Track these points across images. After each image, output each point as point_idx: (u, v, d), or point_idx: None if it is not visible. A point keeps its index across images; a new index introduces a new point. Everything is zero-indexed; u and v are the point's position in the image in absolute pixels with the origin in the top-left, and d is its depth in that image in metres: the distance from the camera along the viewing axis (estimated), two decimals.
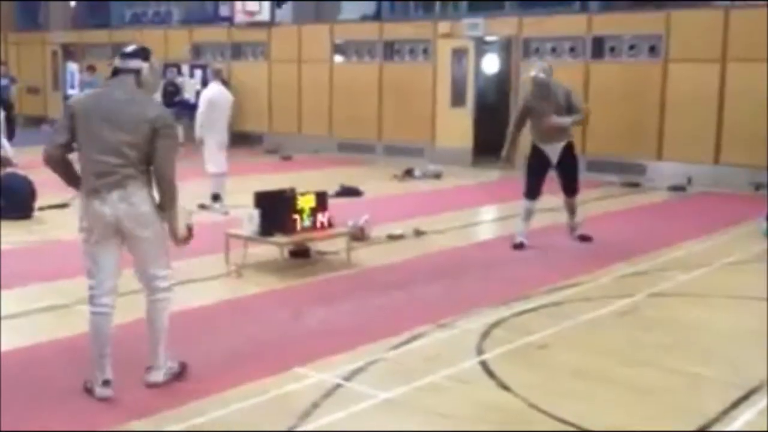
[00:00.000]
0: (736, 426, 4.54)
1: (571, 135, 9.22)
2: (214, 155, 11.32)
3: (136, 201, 4.67)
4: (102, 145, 4.60)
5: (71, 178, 4.82)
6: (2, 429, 4.38)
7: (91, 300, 4.86)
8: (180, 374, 5.11)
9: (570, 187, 9.28)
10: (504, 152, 9.38)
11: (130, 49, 4.89)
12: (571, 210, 9.44)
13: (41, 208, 5.50)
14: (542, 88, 8.93)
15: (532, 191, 9.14)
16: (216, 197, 11.33)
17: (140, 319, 5.15)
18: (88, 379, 4.84)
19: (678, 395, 5.01)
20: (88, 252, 4.79)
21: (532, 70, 9.15)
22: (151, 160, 4.69)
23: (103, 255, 4.78)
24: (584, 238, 9.38)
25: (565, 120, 8.92)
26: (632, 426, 4.53)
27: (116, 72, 4.78)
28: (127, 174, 4.63)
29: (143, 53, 4.83)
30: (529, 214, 9.18)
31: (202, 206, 11.32)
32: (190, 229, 5.07)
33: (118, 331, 5.11)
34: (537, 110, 8.96)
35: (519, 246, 9.02)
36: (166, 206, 4.83)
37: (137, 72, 4.74)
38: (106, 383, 4.74)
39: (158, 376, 5.01)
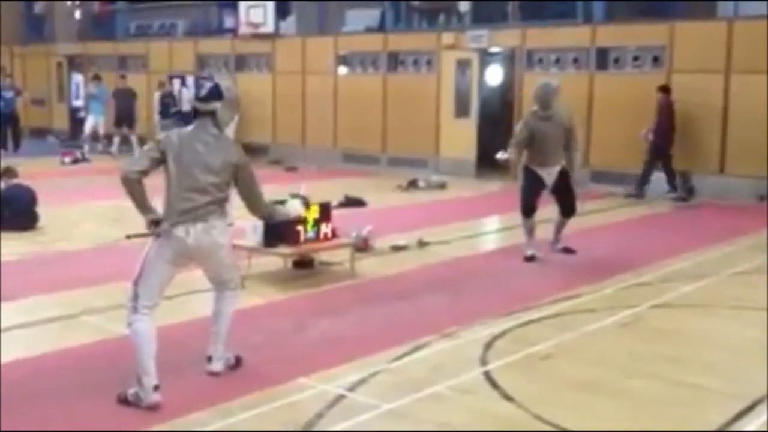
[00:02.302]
0: None
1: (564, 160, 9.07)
2: None
3: (215, 233, 5.16)
4: (191, 184, 5.07)
5: (141, 202, 5.23)
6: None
7: (136, 310, 5.12)
8: (236, 365, 5.51)
9: (569, 209, 9.14)
10: (504, 154, 9.15)
11: (206, 91, 5.20)
12: (561, 227, 9.33)
13: (129, 237, 5.63)
14: (548, 104, 8.79)
15: (530, 210, 9.03)
16: None
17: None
18: (122, 392, 4.96)
19: (681, 407, 5.00)
20: (154, 268, 5.21)
21: (542, 82, 9.09)
22: (240, 193, 5.33)
23: (165, 274, 5.24)
24: (568, 251, 9.27)
25: (575, 164, 9.06)
26: None
27: (196, 113, 5.20)
28: (210, 210, 5.12)
29: (217, 93, 5.17)
30: (531, 230, 9.13)
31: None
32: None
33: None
34: (540, 132, 8.76)
35: (531, 258, 8.96)
36: (266, 217, 5.86)
37: (214, 113, 5.13)
38: (156, 388, 4.91)
39: (218, 366, 5.40)
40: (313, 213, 8.05)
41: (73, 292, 7.45)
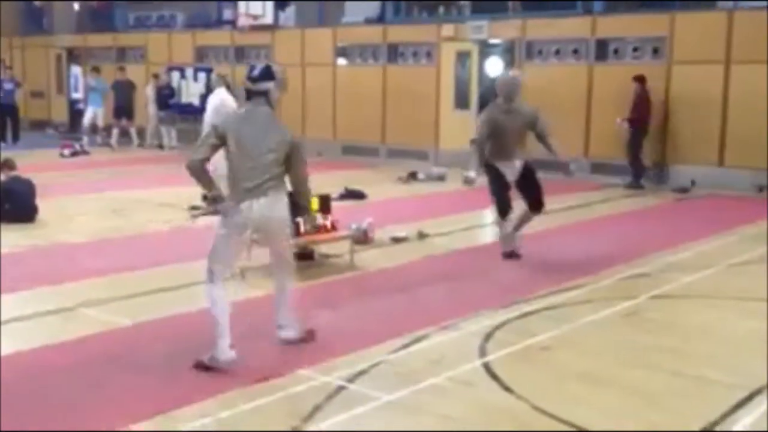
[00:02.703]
0: (738, 428, 4.53)
1: (528, 152, 8.73)
2: (219, 159, 11.40)
3: (277, 207, 5.55)
4: (252, 163, 5.44)
5: (208, 185, 5.59)
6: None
7: (212, 281, 5.53)
8: (307, 338, 5.86)
9: (538, 203, 8.67)
10: (474, 173, 8.37)
11: (257, 72, 5.61)
12: (522, 223, 8.81)
13: (193, 213, 5.91)
14: (512, 97, 8.42)
15: (506, 209, 8.61)
16: (206, 198, 11.43)
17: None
18: (199, 359, 5.33)
19: (681, 398, 5.01)
20: (227, 243, 5.57)
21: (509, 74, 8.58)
22: (289, 170, 5.63)
23: (234, 248, 5.65)
24: (515, 255, 8.70)
25: (555, 148, 8.53)
26: (634, 427, 4.53)
27: (249, 93, 5.60)
28: (271, 185, 5.48)
29: (269, 73, 5.61)
30: (506, 234, 8.72)
31: (194, 207, 11.39)
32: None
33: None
34: (501, 126, 8.37)
35: (510, 255, 8.62)
36: (303, 204, 5.99)
37: (266, 92, 5.56)
38: (231, 347, 5.35)
39: (291, 332, 5.81)
40: (313, 205, 8.03)
41: (72, 285, 7.45)
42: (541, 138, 8.61)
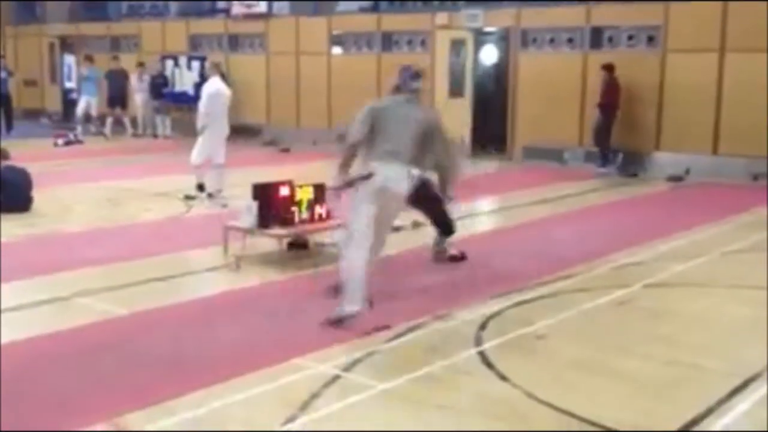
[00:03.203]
0: (732, 415, 4.56)
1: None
2: (213, 147, 11.44)
3: (402, 182, 6.19)
4: (391, 141, 6.13)
5: (347, 162, 6.29)
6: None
7: (348, 245, 6.21)
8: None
9: (446, 228, 8.03)
10: (340, 182, 6.48)
11: (411, 74, 6.52)
12: (442, 245, 8.17)
13: (334, 185, 6.29)
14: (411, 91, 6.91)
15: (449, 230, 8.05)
16: (200, 187, 11.50)
17: None
18: (329, 316, 5.96)
19: (675, 386, 5.03)
20: (360, 210, 6.16)
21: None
22: (432, 151, 6.38)
23: (369, 214, 6.16)
24: (459, 258, 8.10)
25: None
26: (630, 415, 4.55)
27: (397, 88, 6.46)
28: (405, 160, 6.18)
29: (419, 75, 6.53)
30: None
31: (189, 197, 11.44)
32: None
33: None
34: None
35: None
36: (447, 181, 6.72)
37: (416, 90, 6.45)
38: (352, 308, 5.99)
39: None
40: (308, 194, 8.05)
41: (68, 274, 7.44)
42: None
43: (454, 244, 8.19)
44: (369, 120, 6.26)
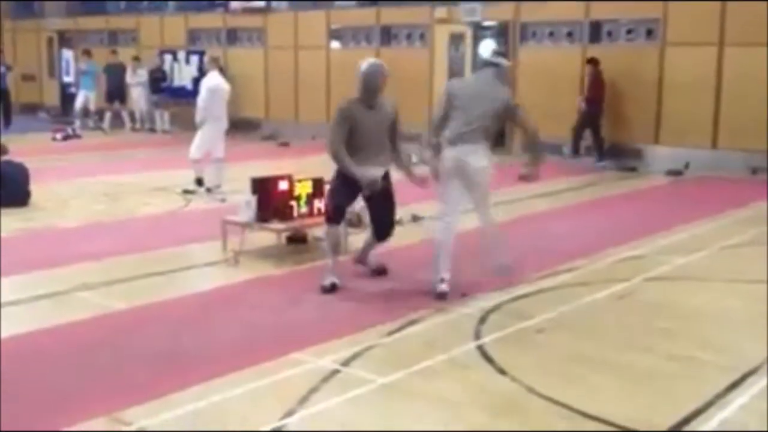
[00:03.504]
0: (730, 409, 4.56)
1: (390, 162, 7.20)
2: (212, 142, 11.44)
3: (481, 156, 6.64)
4: (468, 116, 6.58)
5: (437, 147, 6.76)
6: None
7: (441, 217, 6.84)
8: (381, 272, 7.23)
9: (385, 227, 7.24)
10: (433, 170, 6.92)
11: (498, 48, 7.16)
12: (370, 249, 7.48)
13: (417, 163, 6.69)
14: (377, 89, 6.97)
15: (338, 213, 7.06)
16: (199, 182, 11.50)
17: None
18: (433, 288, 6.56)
19: (675, 379, 5.03)
20: (448, 187, 6.71)
21: (365, 63, 7.07)
22: (516, 123, 7.17)
23: (456, 190, 6.71)
24: (380, 272, 7.41)
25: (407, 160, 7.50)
26: (629, 409, 4.55)
27: (484, 64, 6.92)
28: (479, 137, 6.62)
29: (504, 54, 7.11)
30: (335, 244, 7.13)
31: (187, 191, 11.43)
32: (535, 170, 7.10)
33: None
34: (363, 124, 6.92)
35: (331, 288, 6.83)
36: (536, 150, 7.14)
37: (497, 65, 6.85)
38: (442, 281, 6.57)
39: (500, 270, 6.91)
40: (306, 188, 8.04)
41: (66, 269, 7.43)
42: (393, 141, 7.18)
43: (377, 255, 7.51)
44: (447, 100, 6.70)
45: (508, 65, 6.96)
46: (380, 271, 7.36)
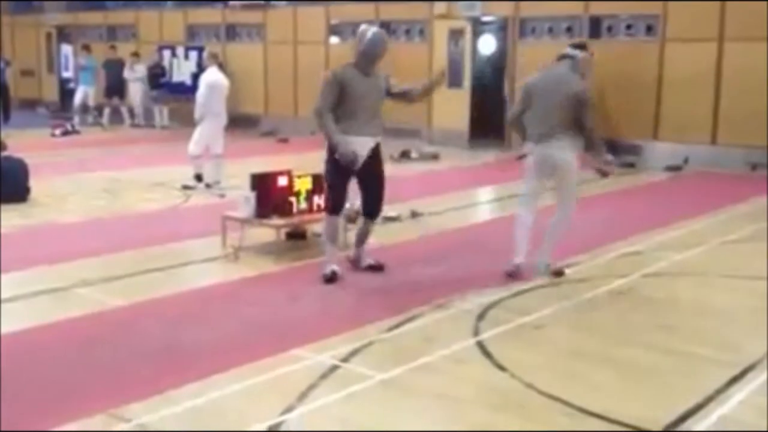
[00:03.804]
0: (729, 405, 4.56)
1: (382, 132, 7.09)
2: (211, 138, 11.44)
3: (564, 148, 6.84)
4: (545, 110, 6.82)
5: (522, 132, 7.13)
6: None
7: (520, 204, 7.22)
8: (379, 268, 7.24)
9: (375, 206, 7.14)
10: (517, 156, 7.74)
11: (577, 41, 7.84)
12: (364, 237, 7.35)
13: (519, 158, 6.84)
14: (378, 57, 6.93)
15: (340, 207, 7.06)
16: (198, 177, 11.50)
17: None
18: (507, 269, 7.02)
19: (674, 375, 5.03)
20: (527, 177, 7.08)
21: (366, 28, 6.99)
22: (578, 119, 6.82)
23: (536, 183, 7.06)
24: (376, 268, 7.30)
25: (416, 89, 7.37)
26: (628, 405, 4.55)
27: (563, 56, 7.04)
28: (560, 131, 6.80)
29: (582, 46, 7.27)
30: (334, 235, 7.17)
31: (186, 187, 11.44)
32: (609, 164, 7.27)
33: None
34: (358, 91, 6.81)
35: (331, 278, 6.91)
36: (594, 149, 7.04)
37: (573, 57, 6.97)
38: (516, 265, 7.02)
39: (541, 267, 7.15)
40: (306, 184, 8.04)
41: (66, 264, 7.43)
42: (377, 116, 7.00)
43: (370, 254, 7.45)
44: (525, 98, 7.04)
45: (582, 56, 7.01)
46: (377, 267, 7.29)
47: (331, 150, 6.83)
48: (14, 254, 7.67)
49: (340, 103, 6.76)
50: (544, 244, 7.12)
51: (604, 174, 7.22)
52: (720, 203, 10.64)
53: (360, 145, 6.84)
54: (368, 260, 7.35)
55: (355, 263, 7.34)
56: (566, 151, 6.86)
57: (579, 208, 10.05)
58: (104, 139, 18.44)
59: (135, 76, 20.81)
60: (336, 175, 6.92)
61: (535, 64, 15.61)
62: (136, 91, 20.91)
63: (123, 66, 21.14)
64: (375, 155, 6.97)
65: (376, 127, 6.95)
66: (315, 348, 5.34)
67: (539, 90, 6.92)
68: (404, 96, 7.26)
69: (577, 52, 7.04)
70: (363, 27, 7.03)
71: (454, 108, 17.21)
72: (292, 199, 7.92)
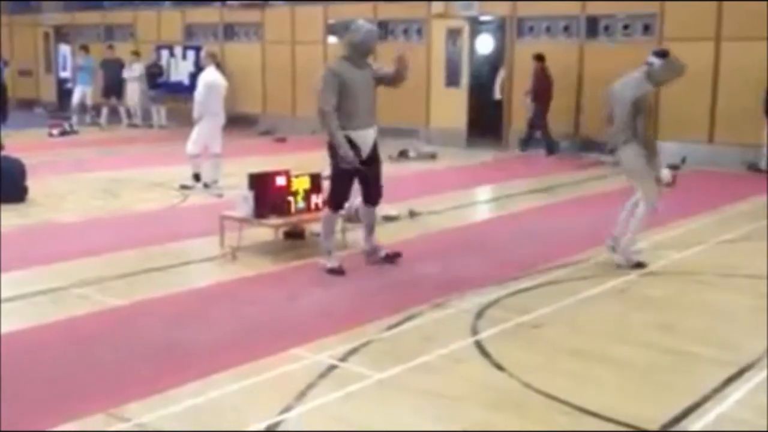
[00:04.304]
0: (727, 404, 4.57)
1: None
2: (210, 137, 11.43)
3: (628, 152, 7.17)
4: (617, 115, 7.16)
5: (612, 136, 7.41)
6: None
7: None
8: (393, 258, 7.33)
9: (375, 192, 7.28)
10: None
11: (659, 48, 7.76)
12: (372, 225, 7.52)
13: (184, 186, 6.25)
14: (370, 51, 7.21)
15: (344, 201, 7.32)
16: (196, 177, 11.50)
17: None
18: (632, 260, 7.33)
19: (672, 374, 5.04)
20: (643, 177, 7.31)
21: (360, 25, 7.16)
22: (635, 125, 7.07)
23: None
24: (392, 257, 7.49)
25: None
26: (626, 404, 4.56)
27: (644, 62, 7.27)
28: (625, 134, 7.11)
29: (663, 53, 7.32)
30: (334, 228, 7.41)
31: (184, 187, 11.44)
32: (673, 177, 7.82)
33: None
34: (354, 85, 6.94)
35: (340, 269, 7.11)
36: (651, 158, 7.16)
37: (649, 65, 7.18)
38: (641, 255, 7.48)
39: (620, 258, 7.42)
40: (304, 184, 8.04)
41: (64, 264, 7.43)
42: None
43: (383, 246, 7.60)
44: (605, 101, 7.44)
45: (658, 65, 7.15)
46: (395, 256, 7.49)
47: (334, 148, 6.99)
48: (12, 254, 7.67)
49: (340, 98, 6.88)
50: (625, 242, 7.40)
51: (666, 184, 7.53)
52: (718, 202, 10.65)
53: (363, 139, 7.06)
54: (383, 251, 7.51)
55: (370, 255, 7.48)
56: (629, 155, 7.17)
57: (578, 207, 10.05)
58: (102, 139, 18.43)
59: (133, 75, 20.80)
60: (341, 172, 7.05)
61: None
62: (134, 90, 20.90)
63: (121, 66, 21.12)
64: (375, 145, 7.20)
65: (372, 116, 7.20)
66: (313, 347, 5.34)
67: (613, 95, 7.30)
68: (383, 78, 7.33)
69: (654, 60, 7.18)
70: (359, 22, 7.28)
71: (451, 107, 17.21)
72: (290, 198, 7.92)
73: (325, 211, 7.38)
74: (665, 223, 9.28)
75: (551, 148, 15.49)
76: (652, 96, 7.43)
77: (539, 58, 15.49)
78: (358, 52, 7.06)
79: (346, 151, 6.86)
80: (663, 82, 7.40)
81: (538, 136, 15.74)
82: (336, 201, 7.24)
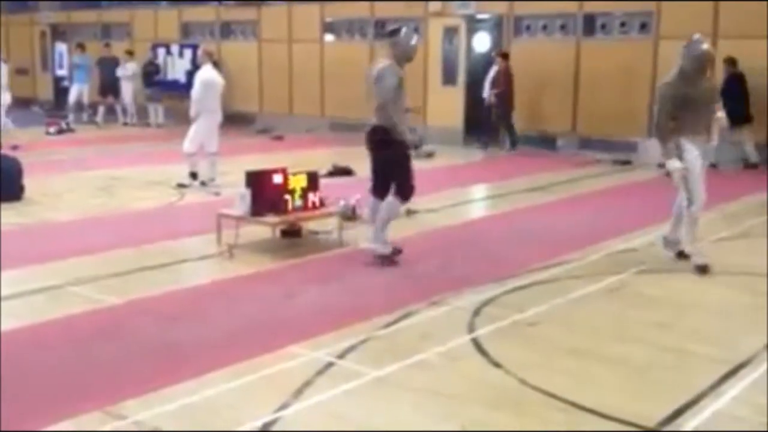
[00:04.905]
0: (723, 401, 4.58)
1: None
2: (206, 136, 11.43)
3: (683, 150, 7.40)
4: (696, 110, 7.38)
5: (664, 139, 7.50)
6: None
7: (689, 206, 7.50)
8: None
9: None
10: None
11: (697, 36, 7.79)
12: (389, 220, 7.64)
13: (181, 185, 6.16)
14: (411, 59, 7.94)
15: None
16: (193, 175, 11.49)
17: None
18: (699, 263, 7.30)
19: (667, 371, 5.05)
20: (694, 174, 7.55)
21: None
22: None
23: (699, 178, 7.59)
24: (395, 253, 7.59)
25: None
26: (622, 401, 4.57)
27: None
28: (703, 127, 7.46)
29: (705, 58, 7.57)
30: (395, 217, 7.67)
31: (181, 185, 11.44)
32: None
33: None
34: (403, 84, 7.70)
35: (393, 255, 7.47)
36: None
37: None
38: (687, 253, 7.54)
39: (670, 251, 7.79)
40: (301, 182, 8.04)
41: (60, 263, 7.42)
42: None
43: (388, 243, 7.58)
44: (671, 100, 7.41)
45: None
46: (398, 252, 7.58)
47: (393, 141, 7.28)
48: (9, 252, 7.66)
49: (397, 98, 7.45)
50: (675, 228, 7.79)
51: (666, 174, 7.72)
52: (715, 200, 10.61)
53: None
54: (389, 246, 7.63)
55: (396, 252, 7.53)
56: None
57: (574, 205, 10.06)
58: (99, 138, 18.41)
59: (126, 74, 20.79)
60: (408, 162, 7.49)
61: (530, 61, 15.77)
62: (128, 89, 20.89)
63: (117, 64, 21.12)
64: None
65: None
66: (310, 345, 5.34)
67: (683, 99, 7.49)
68: None
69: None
70: (406, 30, 7.92)
71: (448, 106, 17.22)
72: (287, 196, 7.92)
73: (392, 199, 7.44)
74: (662, 220, 9.29)
75: (515, 141, 15.81)
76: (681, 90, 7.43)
77: (504, 56, 15.78)
78: (406, 59, 7.79)
79: (411, 134, 7.55)
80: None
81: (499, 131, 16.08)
82: (412, 190, 7.54)
